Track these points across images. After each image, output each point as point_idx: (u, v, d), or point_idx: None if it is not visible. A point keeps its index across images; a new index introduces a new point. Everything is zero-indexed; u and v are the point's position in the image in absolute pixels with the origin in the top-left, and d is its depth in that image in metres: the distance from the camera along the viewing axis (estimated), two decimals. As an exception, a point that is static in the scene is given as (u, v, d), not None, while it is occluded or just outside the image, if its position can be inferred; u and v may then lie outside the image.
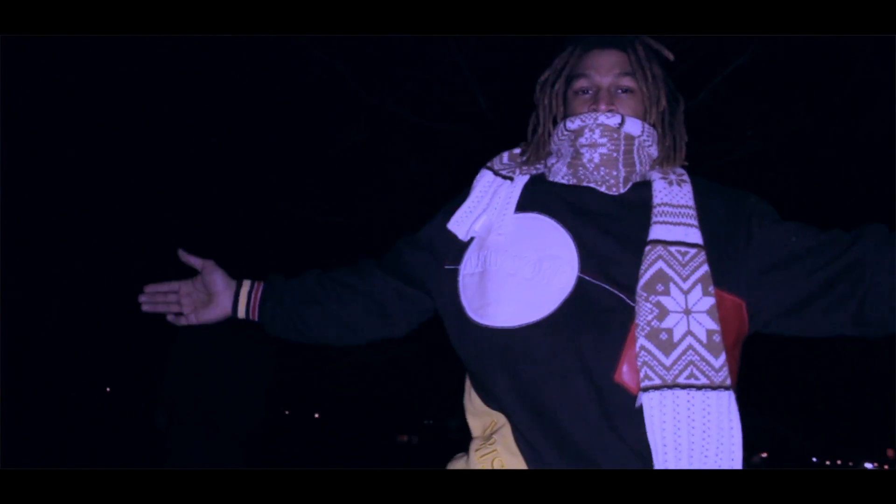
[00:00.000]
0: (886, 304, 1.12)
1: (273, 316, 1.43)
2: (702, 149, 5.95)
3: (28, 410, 8.55)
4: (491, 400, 1.22)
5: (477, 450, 1.22)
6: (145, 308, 1.47)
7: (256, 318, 1.45)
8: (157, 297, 1.46)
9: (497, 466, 1.18)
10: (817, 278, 1.15)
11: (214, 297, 1.44)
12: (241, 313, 1.44)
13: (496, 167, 1.33)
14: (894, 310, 1.12)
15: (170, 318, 1.48)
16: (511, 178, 1.30)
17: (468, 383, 1.30)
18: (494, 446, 1.20)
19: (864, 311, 1.13)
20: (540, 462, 1.15)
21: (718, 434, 1.08)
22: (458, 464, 1.26)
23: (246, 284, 1.45)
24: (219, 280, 1.44)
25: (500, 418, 1.22)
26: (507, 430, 1.20)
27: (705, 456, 1.07)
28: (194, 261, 1.46)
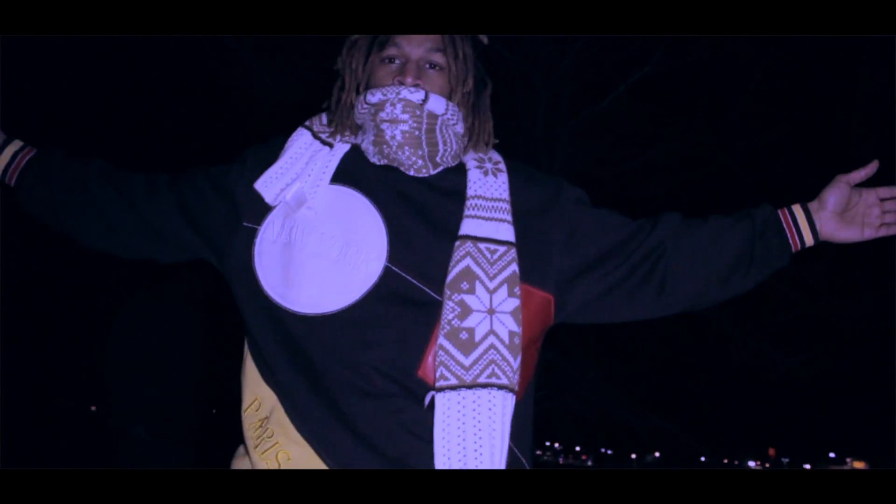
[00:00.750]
0: (684, 280, 1.19)
1: (32, 189, 1.27)
2: (605, 155, 6.04)
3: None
4: (270, 378, 1.13)
5: (256, 447, 1.11)
6: None
7: (13, 184, 1.28)
8: None
9: (283, 460, 1.09)
10: (623, 268, 1.19)
11: None
12: None
13: (316, 128, 1.23)
14: (691, 285, 1.19)
15: None
16: (331, 145, 1.21)
17: (247, 350, 1.18)
18: (274, 438, 1.10)
19: (665, 289, 1.19)
20: (331, 448, 1.07)
21: (504, 434, 1.07)
22: (241, 463, 1.16)
23: (16, 144, 1.29)
24: None
25: (267, 399, 1.12)
26: (280, 416, 1.10)
27: (492, 453, 1.05)
28: None
